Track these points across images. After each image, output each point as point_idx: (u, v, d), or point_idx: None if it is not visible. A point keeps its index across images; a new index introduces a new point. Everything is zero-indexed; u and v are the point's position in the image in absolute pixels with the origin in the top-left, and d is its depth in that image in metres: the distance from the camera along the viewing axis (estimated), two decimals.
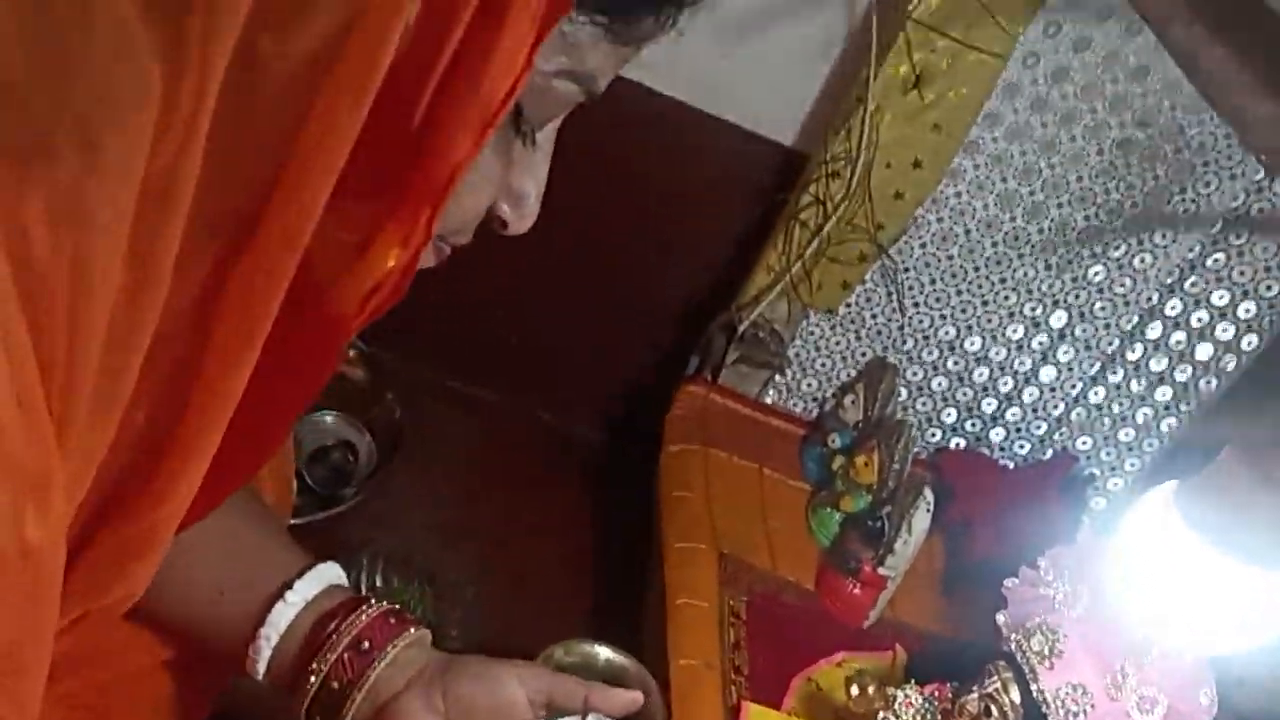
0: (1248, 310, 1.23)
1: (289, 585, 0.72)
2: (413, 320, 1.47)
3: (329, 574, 0.74)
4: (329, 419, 1.32)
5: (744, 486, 1.31)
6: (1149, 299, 1.27)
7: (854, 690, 0.99)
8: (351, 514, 1.25)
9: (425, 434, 1.43)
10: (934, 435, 1.41)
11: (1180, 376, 1.29)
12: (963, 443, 1.41)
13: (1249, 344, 1.25)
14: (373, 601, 0.73)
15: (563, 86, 0.50)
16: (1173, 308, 1.26)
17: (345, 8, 0.40)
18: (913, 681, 0.97)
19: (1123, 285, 1.26)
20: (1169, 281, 1.25)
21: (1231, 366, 1.26)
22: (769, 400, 1.40)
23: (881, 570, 1.16)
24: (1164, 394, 1.30)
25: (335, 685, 0.70)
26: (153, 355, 0.48)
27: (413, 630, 0.72)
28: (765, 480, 1.33)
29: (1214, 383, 1.28)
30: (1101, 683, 0.85)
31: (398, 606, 0.74)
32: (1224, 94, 0.53)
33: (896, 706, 0.96)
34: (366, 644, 0.70)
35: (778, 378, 1.37)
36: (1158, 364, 1.29)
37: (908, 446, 1.22)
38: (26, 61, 0.39)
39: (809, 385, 1.39)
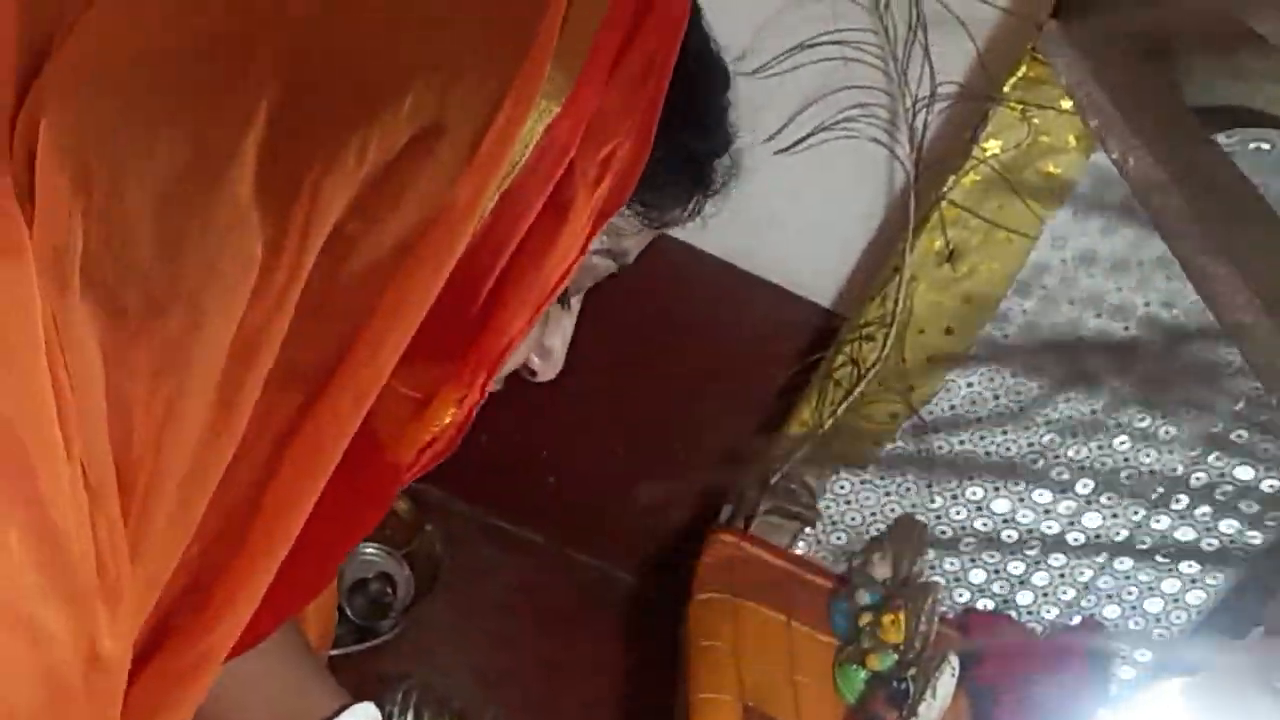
0: (1272, 486, 1.25)
1: None
2: (457, 457, 1.54)
3: (366, 713, 0.77)
4: (370, 550, 1.36)
5: (771, 638, 1.33)
6: (1174, 469, 1.29)
7: None
8: (389, 647, 1.27)
9: (464, 569, 1.47)
10: (961, 595, 1.42)
11: (1206, 548, 1.30)
12: (990, 604, 1.42)
13: (1275, 520, 1.26)
14: None
15: (601, 262, 0.56)
16: (1197, 479, 1.28)
17: (433, 202, 0.46)
18: None
19: (1148, 455, 1.29)
20: (1193, 454, 1.28)
21: (1258, 541, 1.28)
22: (799, 551, 1.42)
23: None
24: (1190, 566, 1.31)
25: None
26: (221, 491, 0.53)
27: None
28: (793, 632, 1.34)
29: (1240, 556, 1.29)
30: None
31: None
32: (1226, 310, 0.58)
33: None
34: None
35: (808, 530, 1.40)
36: (1184, 535, 1.31)
37: (935, 608, 1.24)
38: (153, 237, 0.45)
39: (839, 539, 1.41)
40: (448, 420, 0.54)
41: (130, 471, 0.48)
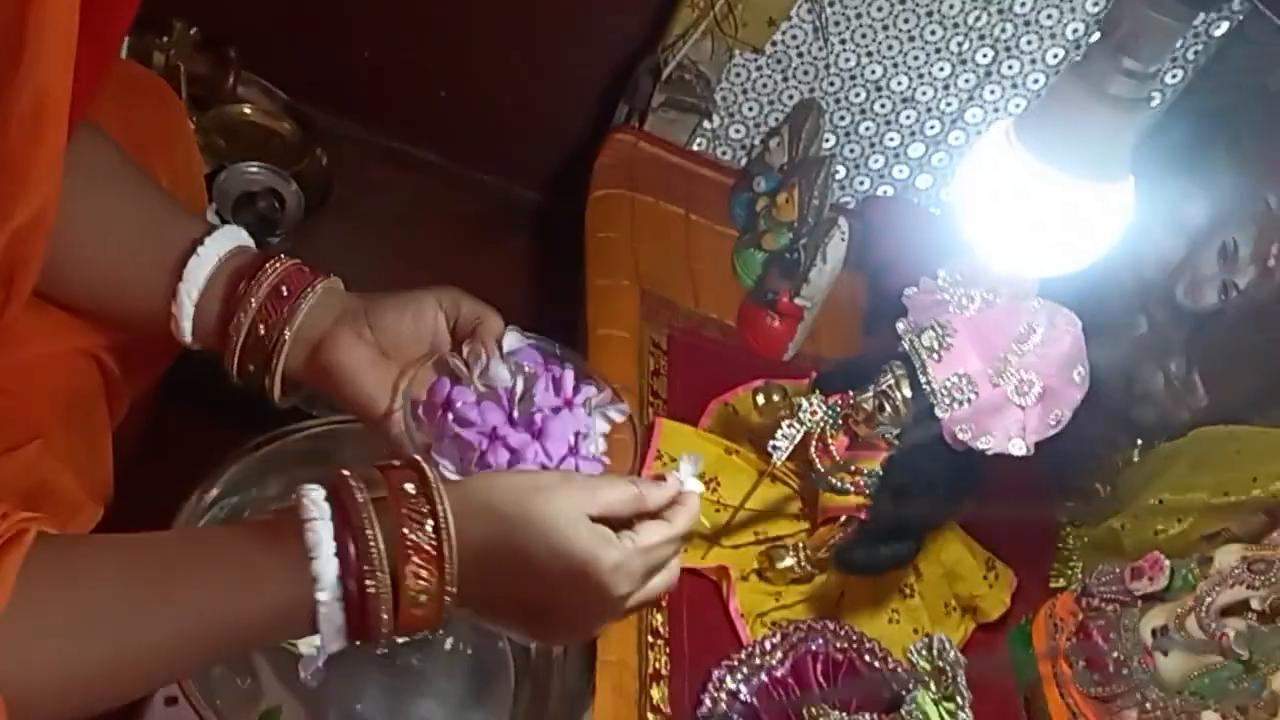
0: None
1: (199, 242, 0.74)
2: (343, 78, 1.46)
3: (238, 234, 0.77)
4: (254, 169, 1.31)
5: (670, 230, 1.32)
6: (1075, 30, 1.25)
7: (760, 400, 1.02)
8: None
9: (357, 188, 1.43)
10: (862, 183, 1.42)
11: None
12: (890, 190, 1.42)
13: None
14: (282, 255, 0.75)
15: None
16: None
17: None
18: (818, 392, 1.01)
19: (1049, 17, 1.25)
20: (1094, 10, 1.23)
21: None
22: (698, 148, 1.40)
23: (798, 300, 1.18)
24: None
25: (263, 330, 0.74)
26: None
27: (326, 278, 0.76)
28: (692, 225, 1.34)
29: None
30: (985, 371, 0.89)
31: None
32: None
33: (800, 414, 0.99)
34: (285, 290, 0.74)
35: (705, 124, 1.36)
36: None
37: (827, 180, 1.23)
38: None
39: (737, 132, 1.38)
40: None
41: None
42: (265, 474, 0.96)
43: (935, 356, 0.90)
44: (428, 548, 0.59)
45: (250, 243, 0.77)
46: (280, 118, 1.40)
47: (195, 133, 1.25)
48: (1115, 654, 0.97)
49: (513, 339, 0.78)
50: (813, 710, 0.90)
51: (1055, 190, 0.70)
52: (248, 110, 1.38)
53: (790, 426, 0.98)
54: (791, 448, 0.98)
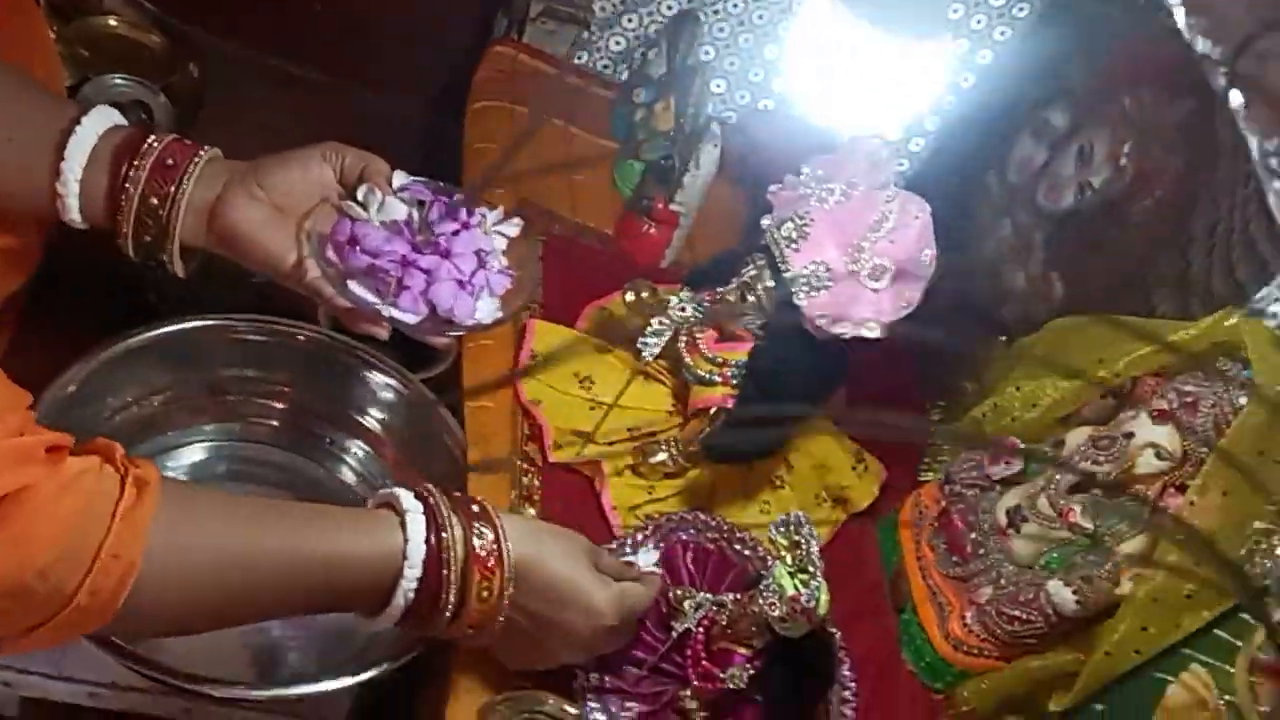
0: None
1: (77, 121, 0.74)
2: None
3: (113, 114, 0.77)
4: (120, 80, 1.28)
5: (550, 143, 1.32)
6: None
7: (629, 297, 1.03)
8: None
9: (231, 104, 1.40)
10: (743, 98, 1.43)
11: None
12: (771, 104, 1.43)
13: None
14: (160, 130, 0.77)
15: None
16: None
17: None
18: (686, 289, 1.02)
19: None
20: None
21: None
22: (579, 62, 1.39)
23: (674, 206, 1.19)
24: None
25: (154, 202, 0.75)
26: None
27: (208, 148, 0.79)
28: (572, 138, 1.34)
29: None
30: (841, 259, 0.91)
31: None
32: None
33: (669, 311, 1.01)
34: (171, 161, 0.75)
35: (585, 35, 1.36)
36: None
37: (704, 90, 1.24)
38: None
39: (617, 44, 1.38)
40: None
41: None
42: (119, 373, 0.96)
43: (794, 246, 0.92)
44: (488, 552, 0.73)
45: (125, 122, 0.77)
46: (148, 30, 1.36)
47: (57, 43, 1.21)
48: (973, 535, 1.01)
49: (401, 176, 0.84)
50: (680, 593, 0.92)
51: (876, 47, 0.71)
52: (113, 22, 1.34)
53: (659, 324, 1.00)
54: (661, 345, 1.00)
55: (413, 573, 0.71)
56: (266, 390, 1.12)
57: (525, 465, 1.00)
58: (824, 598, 0.81)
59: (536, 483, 1.00)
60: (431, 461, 1.06)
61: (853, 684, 0.97)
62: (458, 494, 0.76)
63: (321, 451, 1.13)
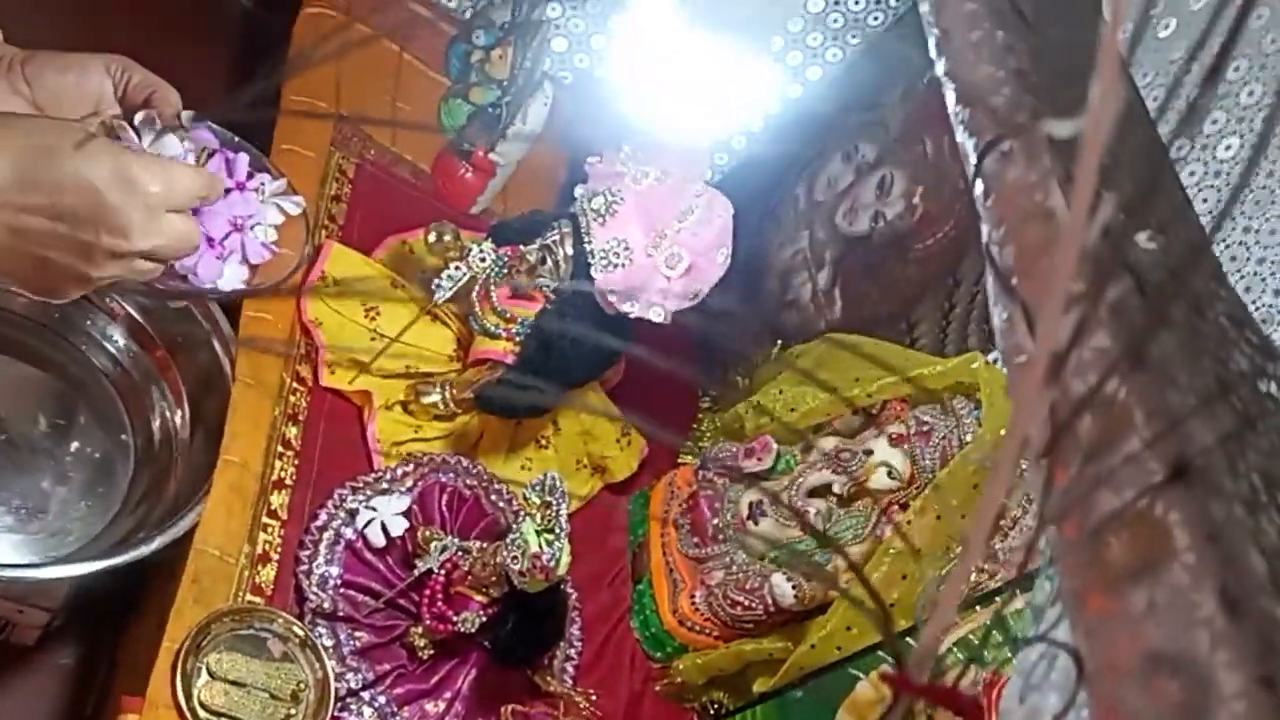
0: None
1: None
2: None
3: None
4: None
5: (380, 65, 1.29)
6: None
7: (432, 237, 1.03)
8: None
9: None
10: (582, 61, 1.44)
11: None
12: (607, 74, 1.45)
13: None
14: None
15: None
16: None
17: None
18: (490, 240, 1.03)
19: None
20: None
21: None
22: None
23: (493, 156, 1.20)
24: None
25: None
26: None
27: None
28: (405, 65, 1.31)
29: None
30: (643, 241, 0.94)
31: None
32: None
33: (469, 258, 1.01)
34: None
35: None
36: None
37: (542, 45, 1.24)
38: None
39: None
40: None
41: None
42: None
43: (600, 220, 0.95)
44: None
45: None
46: None
47: None
48: (716, 521, 1.07)
49: (189, 116, 0.75)
50: (429, 533, 0.94)
51: (716, 42, 0.74)
52: None
53: (457, 269, 1.01)
54: (455, 290, 1.01)
55: None
56: None
57: (294, 384, 0.99)
58: (564, 559, 0.85)
59: (304, 403, 0.99)
60: (194, 355, 1.02)
61: (580, 642, 1.02)
62: None
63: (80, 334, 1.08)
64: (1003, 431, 0.95)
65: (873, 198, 1.23)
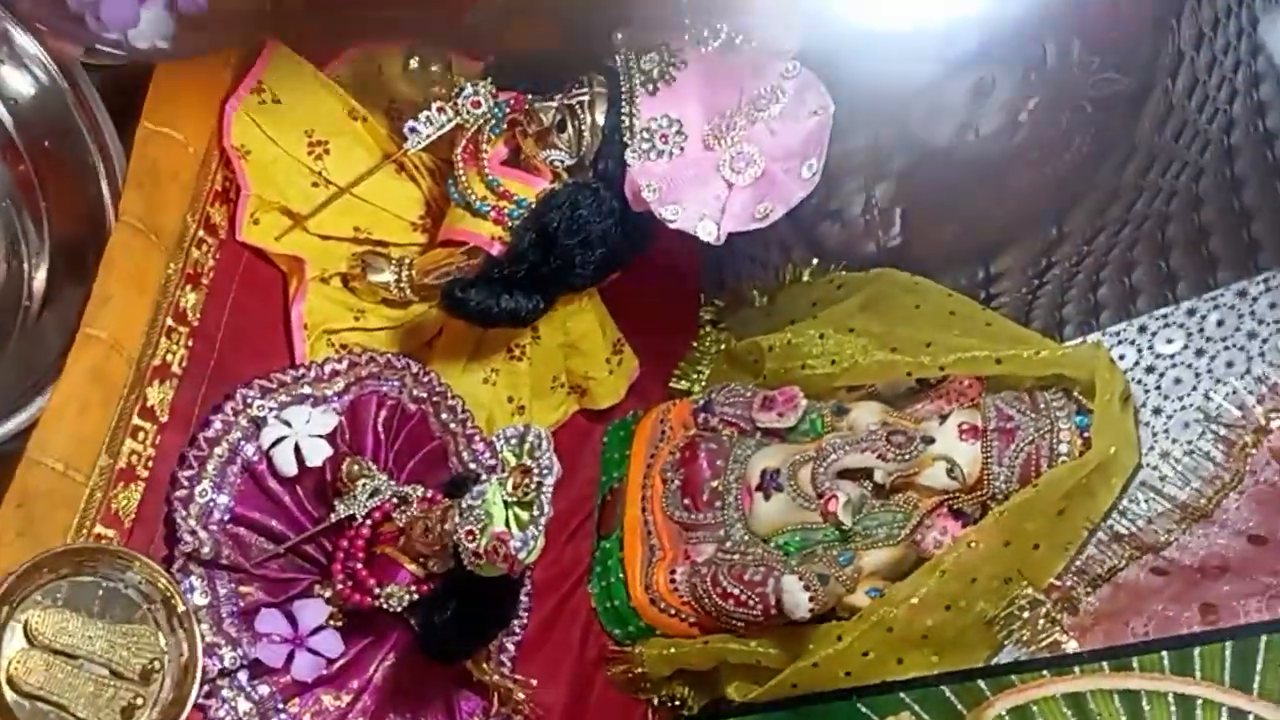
0: None
1: None
2: None
3: None
4: None
5: None
6: None
7: (413, 64, 0.77)
8: None
9: None
10: None
11: None
12: None
13: None
14: None
15: None
16: None
17: None
18: (489, 80, 0.77)
19: None
20: None
21: None
22: None
23: None
24: None
25: None
26: None
27: None
28: None
29: None
30: (703, 127, 0.69)
31: None
32: None
33: (459, 99, 0.75)
34: None
35: None
36: None
37: None
38: None
39: None
40: None
41: None
42: None
43: (650, 88, 0.69)
44: None
45: None
46: None
47: None
48: (715, 483, 0.86)
49: None
50: (357, 466, 0.71)
51: None
52: None
53: (440, 111, 0.75)
54: (434, 137, 0.75)
55: None
56: None
57: (201, 233, 0.73)
58: (537, 549, 0.63)
59: (211, 260, 0.74)
60: (71, 178, 0.75)
61: (525, 612, 0.81)
62: None
63: None
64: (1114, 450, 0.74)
65: (962, 103, 0.98)
